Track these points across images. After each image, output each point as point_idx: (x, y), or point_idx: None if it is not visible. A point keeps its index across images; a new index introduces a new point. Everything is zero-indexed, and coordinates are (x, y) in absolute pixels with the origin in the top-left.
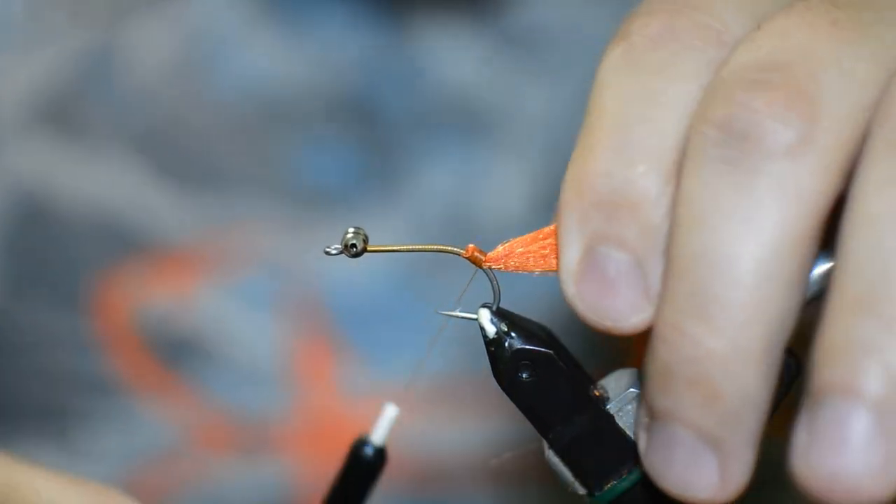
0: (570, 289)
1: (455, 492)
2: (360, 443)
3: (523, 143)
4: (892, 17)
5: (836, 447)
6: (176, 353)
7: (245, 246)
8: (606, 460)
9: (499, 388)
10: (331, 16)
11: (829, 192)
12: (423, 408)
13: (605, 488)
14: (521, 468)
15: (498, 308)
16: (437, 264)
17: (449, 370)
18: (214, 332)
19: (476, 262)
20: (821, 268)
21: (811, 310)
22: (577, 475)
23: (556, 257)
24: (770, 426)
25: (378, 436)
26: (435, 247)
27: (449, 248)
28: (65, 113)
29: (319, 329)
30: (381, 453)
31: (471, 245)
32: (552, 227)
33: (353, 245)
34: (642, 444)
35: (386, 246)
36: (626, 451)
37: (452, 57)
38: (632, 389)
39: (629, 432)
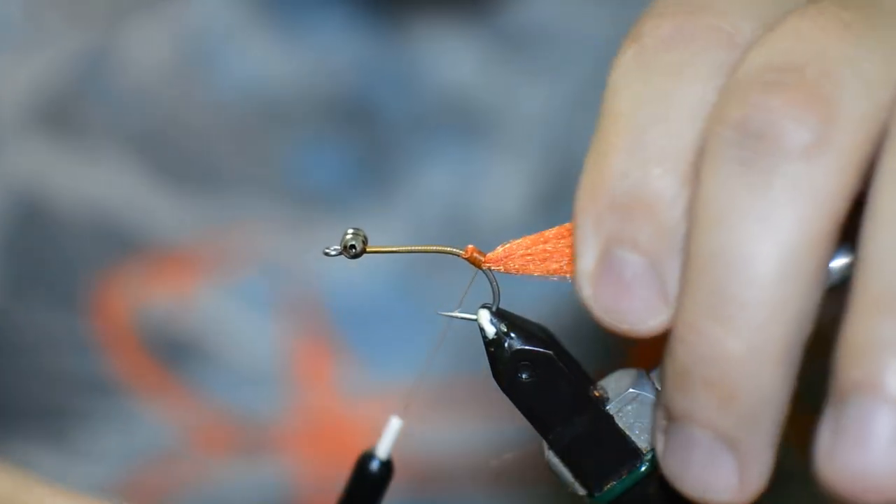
0: (587, 292)
1: (455, 492)
2: (366, 457)
3: (522, 144)
4: None
5: (860, 446)
6: (175, 353)
7: (244, 246)
8: (606, 461)
9: (498, 388)
10: (329, 17)
11: (846, 192)
12: (424, 408)
13: (605, 489)
14: (521, 469)
15: (497, 309)
16: (436, 265)
17: (449, 371)
18: (214, 333)
19: (475, 263)
20: (840, 260)
21: (832, 309)
22: (576, 476)
23: (557, 261)
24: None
25: (383, 450)
26: (434, 248)
27: (448, 249)
28: (63, 113)
29: (319, 329)
30: (386, 467)
31: (470, 246)
32: (554, 230)
33: (353, 246)
34: (660, 447)
35: (385, 247)
36: (625, 451)
37: (450, 57)
38: (632, 390)
39: (629, 433)
